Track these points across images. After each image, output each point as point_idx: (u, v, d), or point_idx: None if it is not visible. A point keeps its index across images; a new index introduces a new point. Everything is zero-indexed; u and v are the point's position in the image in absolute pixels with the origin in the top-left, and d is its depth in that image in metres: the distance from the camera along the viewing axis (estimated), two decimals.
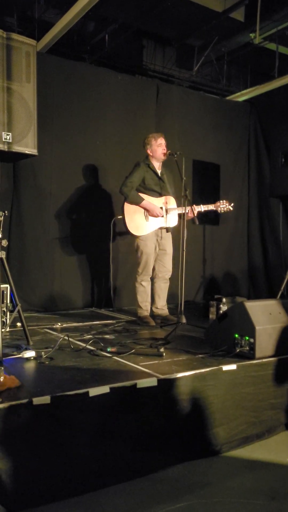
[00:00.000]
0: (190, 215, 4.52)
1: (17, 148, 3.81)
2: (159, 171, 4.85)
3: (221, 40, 6.52)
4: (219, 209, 4.81)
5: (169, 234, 4.86)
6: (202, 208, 4.70)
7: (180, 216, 4.68)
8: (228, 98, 7.45)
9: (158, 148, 4.77)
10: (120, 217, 4.75)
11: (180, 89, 6.92)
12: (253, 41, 6.29)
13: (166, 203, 4.78)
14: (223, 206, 4.79)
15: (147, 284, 4.83)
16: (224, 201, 4.83)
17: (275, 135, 5.96)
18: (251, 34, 6.30)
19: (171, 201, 4.82)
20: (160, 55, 7.00)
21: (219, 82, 7.38)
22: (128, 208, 4.68)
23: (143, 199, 4.66)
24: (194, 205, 4.60)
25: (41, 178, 5.62)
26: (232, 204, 4.85)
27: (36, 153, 3.92)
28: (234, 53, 6.86)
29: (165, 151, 4.76)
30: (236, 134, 7.35)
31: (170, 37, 6.69)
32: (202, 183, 6.99)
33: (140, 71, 6.86)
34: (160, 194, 4.79)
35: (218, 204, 4.80)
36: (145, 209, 4.68)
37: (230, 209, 4.83)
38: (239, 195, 7.40)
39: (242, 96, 7.34)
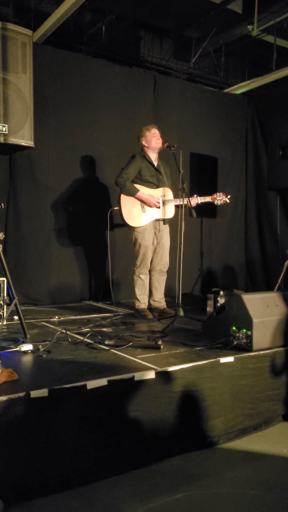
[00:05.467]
0: (190, 204, 4.52)
1: (13, 140, 3.79)
2: (155, 163, 4.84)
3: (218, 32, 6.48)
4: (215, 201, 4.82)
5: (167, 227, 4.86)
6: (199, 199, 4.71)
7: (178, 207, 4.70)
8: (225, 90, 7.42)
9: (152, 138, 4.77)
10: (117, 208, 4.74)
11: (177, 81, 6.88)
12: (251, 33, 6.25)
13: (164, 195, 4.78)
14: (220, 198, 4.80)
15: (145, 277, 4.83)
16: (221, 193, 4.84)
17: (272, 128, 5.94)
18: (248, 26, 6.26)
19: (169, 193, 4.82)
20: (158, 47, 6.96)
21: (216, 75, 7.35)
22: (125, 199, 4.68)
23: (138, 190, 4.65)
24: (194, 195, 4.62)
25: (38, 170, 5.59)
26: (229, 197, 4.85)
27: (33, 145, 3.90)
28: (231, 45, 6.82)
29: (160, 140, 4.77)
30: (233, 127, 7.34)
31: (168, 28, 6.65)
32: (199, 176, 6.98)
33: (137, 63, 6.81)
34: (157, 186, 4.79)
35: (215, 196, 4.81)
36: (140, 200, 4.67)
37: (226, 201, 4.83)
38: (236, 188, 7.40)
39: (240, 88, 7.32)
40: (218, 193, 4.83)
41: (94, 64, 6.02)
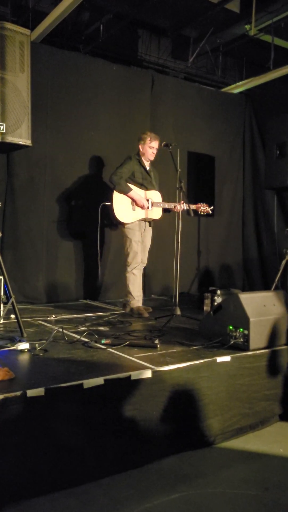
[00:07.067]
0: (177, 209, 4.63)
1: (11, 139, 3.77)
2: (148, 168, 4.98)
3: (216, 32, 6.47)
4: (199, 210, 5.06)
5: (150, 229, 5.05)
6: (185, 206, 4.81)
7: (165, 210, 4.97)
8: (223, 90, 7.42)
9: (148, 149, 4.91)
10: (108, 203, 4.80)
11: (175, 81, 6.88)
12: (248, 32, 6.25)
13: (152, 197, 4.93)
14: (203, 208, 5.08)
15: (138, 272, 4.88)
16: (205, 204, 5.10)
17: (270, 127, 5.94)
18: (246, 26, 6.26)
19: (157, 196, 4.98)
20: (155, 46, 6.96)
21: (214, 74, 7.35)
22: (117, 196, 4.79)
23: (131, 189, 4.80)
24: (180, 202, 4.70)
25: (35, 169, 5.59)
26: (212, 207, 5.14)
27: (30, 144, 3.89)
28: (229, 45, 6.82)
29: (154, 154, 4.94)
30: (231, 126, 7.34)
31: (165, 27, 6.64)
32: (197, 174, 6.98)
33: (135, 62, 6.81)
34: (146, 189, 4.93)
35: (199, 205, 5.06)
36: (132, 199, 4.79)
37: (208, 212, 5.12)
38: (234, 187, 7.41)
39: (237, 88, 7.32)
40: (202, 203, 5.08)
41: (92, 63, 6.01)
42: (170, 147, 4.55)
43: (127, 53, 6.74)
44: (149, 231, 5.04)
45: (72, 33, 6.20)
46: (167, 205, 4.88)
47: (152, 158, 4.95)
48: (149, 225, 5.02)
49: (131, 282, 4.85)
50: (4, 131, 3.72)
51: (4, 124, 3.72)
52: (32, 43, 4.39)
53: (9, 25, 3.82)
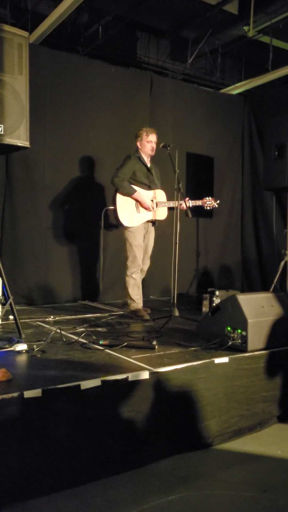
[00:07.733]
0: (181, 207, 4.58)
1: (9, 140, 3.77)
2: (148, 165, 4.90)
3: (215, 33, 6.50)
4: (205, 205, 4.94)
5: (153, 229, 4.96)
6: (190, 203, 4.78)
7: (170, 209, 4.84)
8: (222, 91, 7.43)
9: (147, 144, 4.83)
10: (112, 207, 4.77)
11: (174, 82, 6.89)
12: (247, 34, 6.27)
13: (155, 197, 4.87)
14: (209, 202, 4.94)
15: (138, 277, 4.85)
16: (210, 198, 4.97)
17: (268, 128, 5.94)
18: (245, 27, 6.28)
19: (161, 195, 4.90)
20: (154, 48, 6.97)
21: (213, 75, 7.37)
22: (120, 199, 4.71)
23: (135, 191, 4.71)
24: (185, 199, 4.67)
25: (34, 170, 5.59)
26: (218, 202, 5.00)
27: (29, 145, 3.88)
28: (228, 46, 6.84)
29: (153, 148, 4.84)
30: (230, 127, 7.34)
31: (164, 29, 6.66)
32: (195, 175, 6.98)
33: (134, 64, 6.82)
34: (149, 187, 4.85)
35: (205, 200, 4.93)
36: (137, 200, 4.71)
37: (215, 206, 4.98)
38: (232, 188, 7.41)
39: (236, 89, 7.33)
40: (208, 198, 4.96)
41: (90, 65, 6.02)
42: (168, 148, 4.53)
43: (126, 55, 6.76)
44: (152, 232, 4.96)
45: (71, 35, 6.22)
46: (172, 203, 4.74)
47: (152, 153, 4.85)
48: (153, 225, 4.93)
49: (131, 285, 4.83)
50: (2, 133, 3.71)
51: (2, 125, 3.71)
52: (31, 45, 4.41)
53: (7, 27, 3.81)
